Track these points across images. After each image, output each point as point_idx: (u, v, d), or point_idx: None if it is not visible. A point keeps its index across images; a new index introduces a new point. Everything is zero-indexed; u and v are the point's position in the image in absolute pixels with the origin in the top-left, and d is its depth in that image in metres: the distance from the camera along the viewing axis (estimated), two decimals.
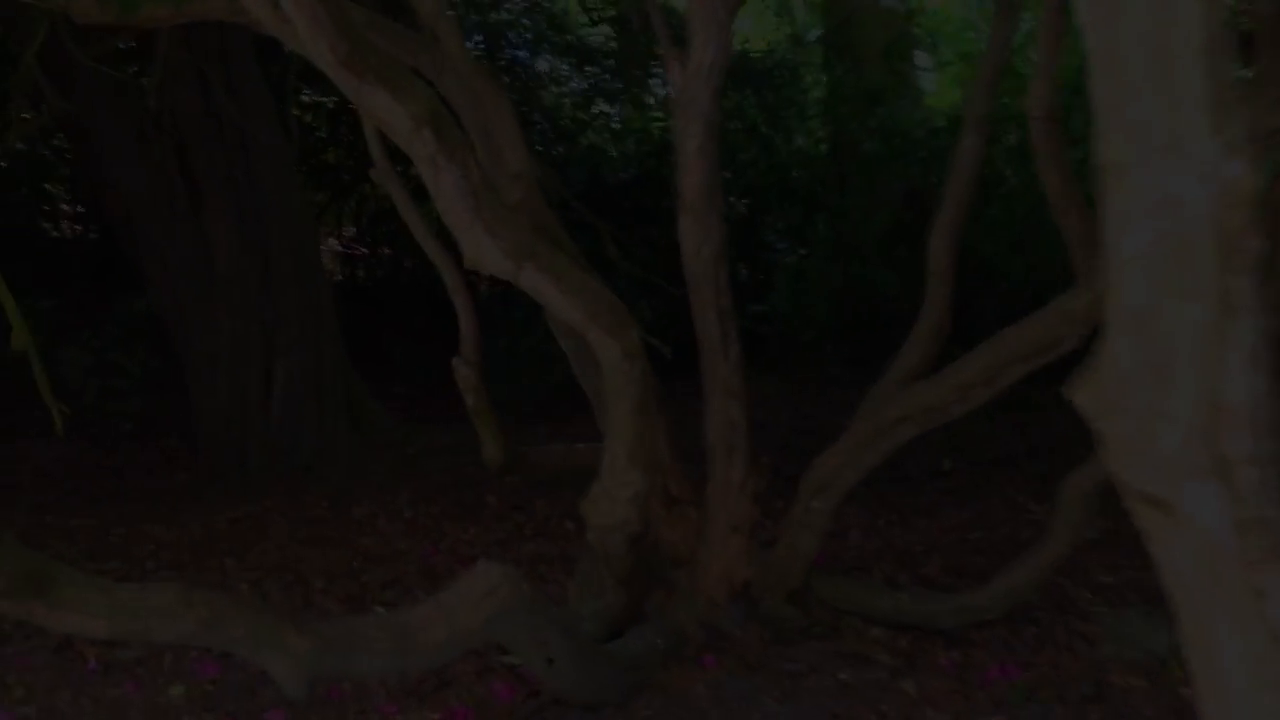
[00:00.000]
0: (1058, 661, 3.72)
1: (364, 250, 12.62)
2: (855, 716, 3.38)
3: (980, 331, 3.80)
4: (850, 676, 3.62)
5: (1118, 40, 1.21)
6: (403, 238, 12.30)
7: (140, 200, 6.79)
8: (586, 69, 10.27)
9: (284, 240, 6.93)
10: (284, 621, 2.73)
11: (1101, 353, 1.34)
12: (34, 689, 3.83)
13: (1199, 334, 1.24)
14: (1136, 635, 3.70)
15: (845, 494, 3.89)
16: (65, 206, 11.81)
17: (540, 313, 3.60)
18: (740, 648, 3.78)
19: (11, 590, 2.43)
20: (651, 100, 10.56)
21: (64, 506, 6.38)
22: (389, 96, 2.68)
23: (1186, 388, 1.25)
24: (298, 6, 2.52)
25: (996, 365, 3.57)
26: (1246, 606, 1.30)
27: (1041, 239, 7.32)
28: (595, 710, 3.38)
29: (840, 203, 9.28)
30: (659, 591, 3.93)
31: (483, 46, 9.62)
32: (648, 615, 3.88)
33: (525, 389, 9.09)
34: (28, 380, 8.59)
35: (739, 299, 3.91)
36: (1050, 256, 6.45)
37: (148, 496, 7.29)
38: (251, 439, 6.88)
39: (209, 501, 6.31)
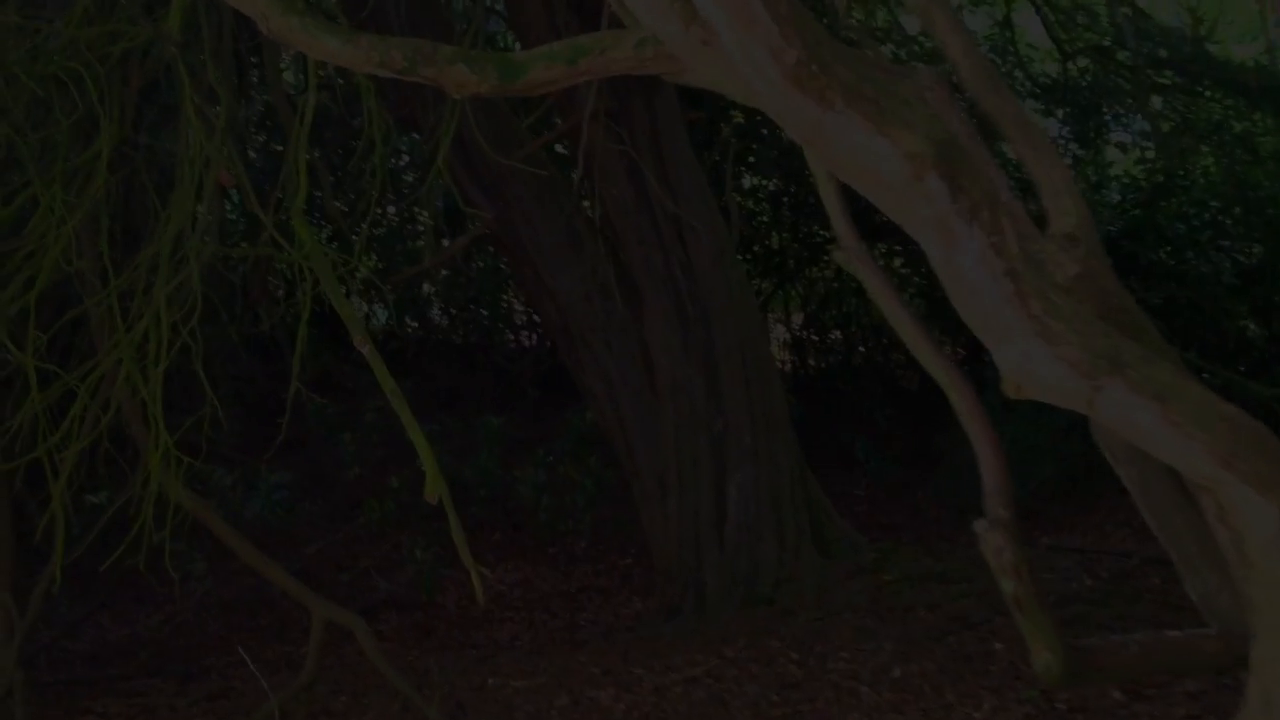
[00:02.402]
0: None
1: (814, 337, 11.77)
2: None
3: None
4: None
5: None
6: (855, 320, 11.44)
7: (575, 306, 6.23)
8: (1056, 111, 8.86)
9: (729, 338, 6.11)
10: None
11: None
12: None
13: None
14: None
15: None
16: (519, 315, 11.86)
17: None
18: None
19: None
20: (1128, 140, 8.99)
21: (516, 662, 5.77)
22: (869, 126, 1.64)
23: None
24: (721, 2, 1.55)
25: None
26: None
27: None
28: None
29: None
30: None
31: None
32: None
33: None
34: (492, 504, 8.41)
35: None
36: None
37: (602, 633, 6.69)
38: (707, 567, 6.04)
39: (664, 647, 5.49)
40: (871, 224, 10.39)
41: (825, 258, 11.01)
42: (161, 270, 3.73)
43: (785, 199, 10.52)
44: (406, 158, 10.23)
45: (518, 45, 7.62)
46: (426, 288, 11.52)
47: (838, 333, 11.63)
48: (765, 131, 9.87)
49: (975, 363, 9.29)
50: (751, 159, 9.96)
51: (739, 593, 5.93)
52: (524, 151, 6.04)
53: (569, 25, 5.90)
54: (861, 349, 11.58)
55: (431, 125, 5.55)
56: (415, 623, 7.28)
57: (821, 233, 10.88)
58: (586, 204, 6.10)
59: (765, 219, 10.58)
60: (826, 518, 6.29)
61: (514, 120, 6.28)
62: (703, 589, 6.04)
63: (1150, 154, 8.49)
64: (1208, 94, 7.41)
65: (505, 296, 11.35)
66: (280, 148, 4.79)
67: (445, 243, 8.21)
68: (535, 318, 11.79)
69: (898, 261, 10.65)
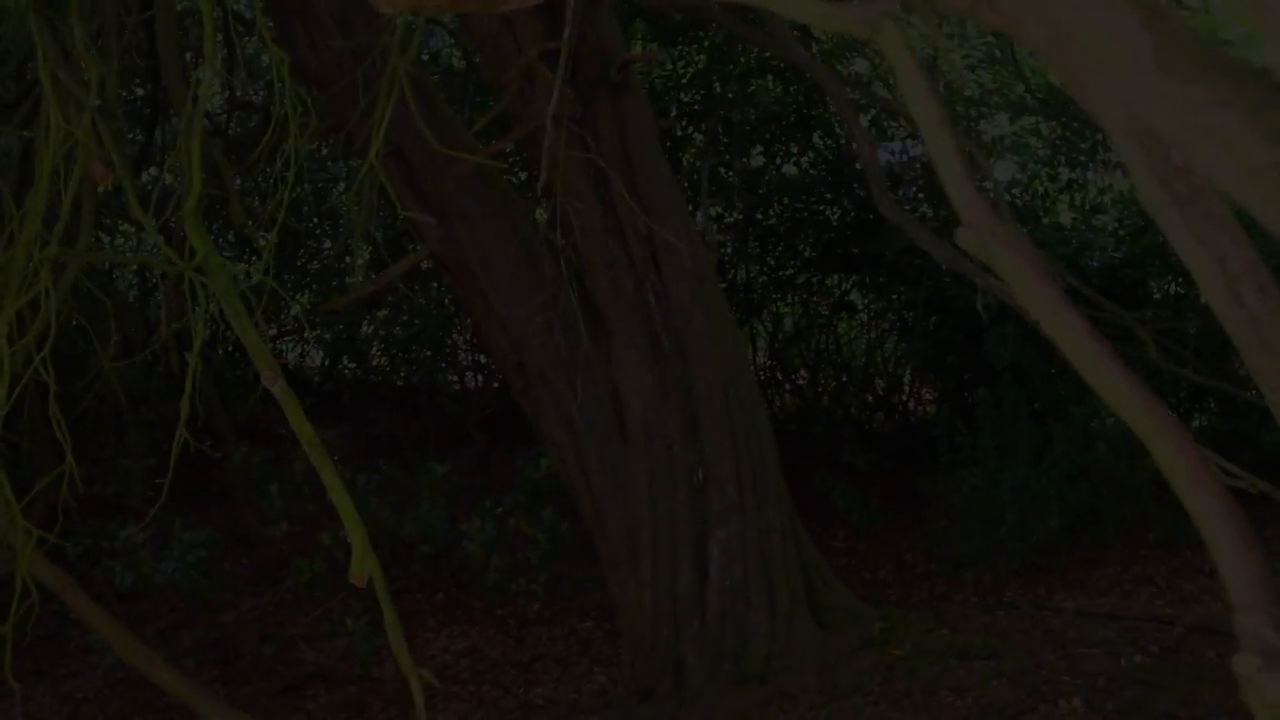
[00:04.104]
0: None
1: (779, 376, 11.03)
2: None
3: None
4: None
5: None
6: (824, 358, 10.73)
7: (532, 339, 5.42)
8: (1044, 126, 8.23)
9: (710, 375, 5.33)
10: None
11: None
12: None
13: None
14: None
15: None
16: (464, 355, 11.03)
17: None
18: None
19: None
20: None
21: None
22: None
23: None
24: None
25: None
26: None
27: None
28: None
29: None
30: None
31: None
32: None
33: (1006, 537, 7.01)
34: (436, 561, 7.57)
35: None
36: None
37: (563, 713, 5.84)
38: (686, 640, 5.21)
39: None
40: (838, 255, 9.83)
41: (793, 293, 10.37)
42: (11, 284, 2.88)
43: (751, 229, 9.81)
44: (343, 184, 9.44)
45: None
46: (366, 327, 10.71)
47: (804, 373, 10.90)
48: (729, 157, 9.20)
49: (958, 400, 8.65)
50: (714, 187, 9.29)
51: (725, 671, 5.10)
52: (473, 161, 5.25)
53: None
54: (830, 387, 10.85)
55: (365, 130, 4.73)
56: (347, 699, 6.44)
57: (790, 265, 10.20)
58: (545, 222, 5.30)
59: (729, 251, 9.85)
60: (822, 581, 5.49)
61: (461, 125, 5.49)
62: (682, 666, 5.20)
63: None
64: None
65: (450, 335, 10.54)
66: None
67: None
68: (481, 358, 11.00)
69: (867, 295, 10.01)
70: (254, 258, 9.48)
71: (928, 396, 10.69)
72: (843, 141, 8.81)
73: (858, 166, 9.10)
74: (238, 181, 5.18)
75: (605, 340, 5.38)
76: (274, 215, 3.08)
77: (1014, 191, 8.16)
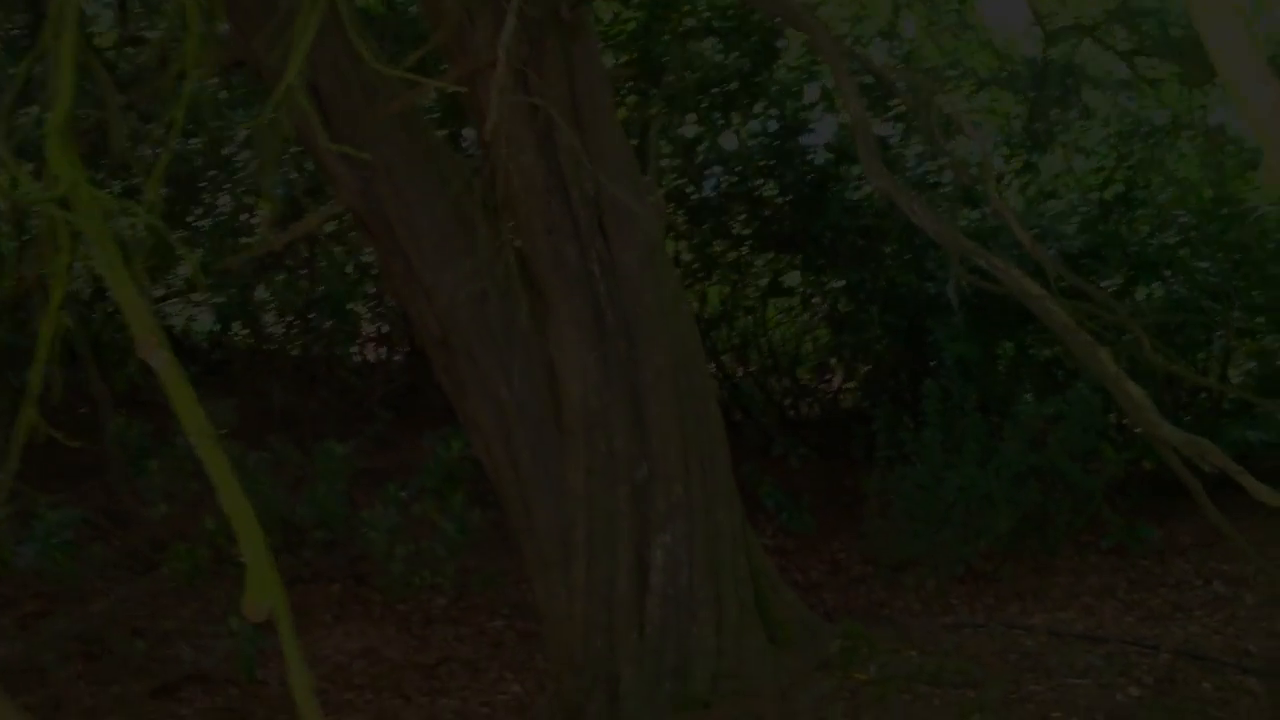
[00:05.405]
0: None
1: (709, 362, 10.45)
2: None
3: None
4: None
5: None
6: (753, 341, 10.18)
7: (460, 311, 4.76)
8: (1003, 103, 7.80)
9: (660, 358, 4.74)
10: None
11: None
12: None
13: None
14: None
15: None
16: (368, 324, 10.26)
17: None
18: None
19: None
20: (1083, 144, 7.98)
21: None
22: None
23: None
24: None
25: None
26: None
27: None
28: None
29: None
30: None
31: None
32: None
33: (951, 540, 6.58)
34: (332, 550, 6.91)
35: None
36: None
37: None
38: (622, 655, 4.63)
39: None
40: (774, 233, 9.29)
41: (720, 272, 9.82)
42: None
43: (685, 203, 9.22)
44: (244, 133, 8.59)
45: None
46: (261, 290, 9.87)
47: (728, 355, 10.35)
48: (664, 124, 8.59)
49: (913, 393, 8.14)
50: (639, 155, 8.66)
51: (665, 691, 4.54)
52: (398, 104, 4.58)
53: None
54: (754, 371, 10.33)
55: (275, 61, 4.02)
56: (227, 705, 5.76)
57: (719, 242, 9.63)
58: (480, 178, 4.66)
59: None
60: (773, 591, 4.96)
61: (385, 63, 4.80)
62: (616, 685, 4.62)
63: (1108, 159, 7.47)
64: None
65: (354, 303, 9.76)
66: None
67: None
68: (385, 328, 10.26)
69: (808, 277, 9.49)
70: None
71: (851, 386, 10.24)
72: (789, 112, 8.26)
73: (801, 140, 8.61)
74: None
75: (542, 315, 4.76)
76: (159, 142, 2.40)
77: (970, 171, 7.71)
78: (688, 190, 9.21)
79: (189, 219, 9.29)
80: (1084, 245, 7.10)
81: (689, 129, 9.02)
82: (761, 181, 8.77)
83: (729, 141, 8.87)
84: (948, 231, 3.80)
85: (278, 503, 6.83)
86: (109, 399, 8.07)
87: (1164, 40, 5.89)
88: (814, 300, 9.80)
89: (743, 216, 9.27)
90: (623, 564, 4.68)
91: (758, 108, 8.54)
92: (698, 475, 4.77)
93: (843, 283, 8.86)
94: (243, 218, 9.31)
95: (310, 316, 9.79)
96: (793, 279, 9.67)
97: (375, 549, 6.65)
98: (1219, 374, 7.25)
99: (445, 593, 6.91)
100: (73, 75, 2.37)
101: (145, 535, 7.19)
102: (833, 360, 10.24)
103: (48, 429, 2.83)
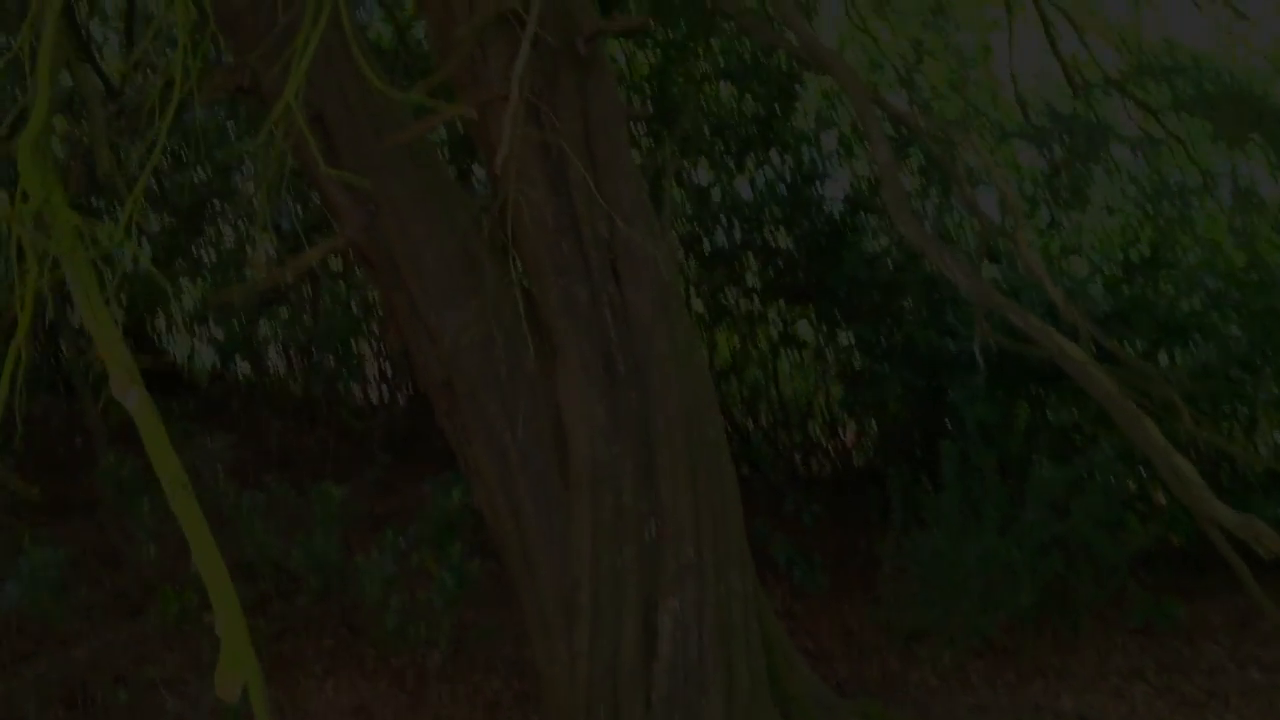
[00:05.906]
0: None
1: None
2: None
3: None
4: None
5: None
6: (762, 394, 9.92)
7: (465, 354, 4.53)
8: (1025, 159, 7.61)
9: (672, 408, 4.49)
10: None
11: None
12: None
13: None
14: None
15: None
16: (371, 364, 10.05)
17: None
18: None
19: None
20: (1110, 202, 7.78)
21: None
22: None
23: None
24: None
25: None
26: None
27: None
28: None
29: None
30: None
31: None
32: None
33: (969, 610, 6.28)
34: (325, 598, 6.63)
35: None
36: None
37: None
38: None
39: None
40: (787, 284, 9.08)
41: (732, 322, 9.60)
42: None
43: (693, 250, 9.02)
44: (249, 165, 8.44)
45: None
46: (264, 326, 9.68)
47: (738, 408, 10.10)
48: (679, 170, 8.41)
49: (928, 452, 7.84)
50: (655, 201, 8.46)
51: None
52: (407, 135, 4.38)
53: None
54: (765, 426, 10.08)
55: (277, 87, 3.82)
56: None
57: (731, 292, 9.42)
58: (490, 215, 4.45)
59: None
60: (786, 663, 4.69)
61: (394, 93, 4.61)
62: None
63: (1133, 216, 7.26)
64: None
65: (357, 341, 9.56)
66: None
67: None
68: (388, 368, 10.04)
69: (821, 329, 9.26)
70: (142, 242, 8.47)
71: (868, 446, 9.98)
72: (805, 160, 8.07)
73: (817, 189, 8.42)
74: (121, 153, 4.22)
75: (550, 359, 4.53)
76: (144, 162, 2.19)
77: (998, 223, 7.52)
78: (700, 237, 9.03)
79: (191, 249, 9.13)
80: (1111, 308, 6.86)
81: (702, 174, 8.86)
82: (775, 230, 8.57)
83: (743, 188, 8.69)
84: (981, 286, 3.58)
85: (271, 547, 6.58)
86: (104, 433, 7.85)
87: (1199, 97, 5.68)
88: (826, 353, 9.59)
89: (756, 266, 9.08)
90: (629, 629, 4.40)
91: (773, 154, 8.36)
92: (709, 534, 4.51)
93: (857, 337, 8.64)
94: (247, 250, 9.14)
95: (312, 354, 9.60)
96: (805, 331, 9.46)
97: (369, 600, 6.38)
98: (1244, 445, 7.00)
99: (440, 648, 6.62)
100: (49, 87, 2.16)
101: (133, 578, 6.93)
102: (845, 416, 9.99)
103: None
